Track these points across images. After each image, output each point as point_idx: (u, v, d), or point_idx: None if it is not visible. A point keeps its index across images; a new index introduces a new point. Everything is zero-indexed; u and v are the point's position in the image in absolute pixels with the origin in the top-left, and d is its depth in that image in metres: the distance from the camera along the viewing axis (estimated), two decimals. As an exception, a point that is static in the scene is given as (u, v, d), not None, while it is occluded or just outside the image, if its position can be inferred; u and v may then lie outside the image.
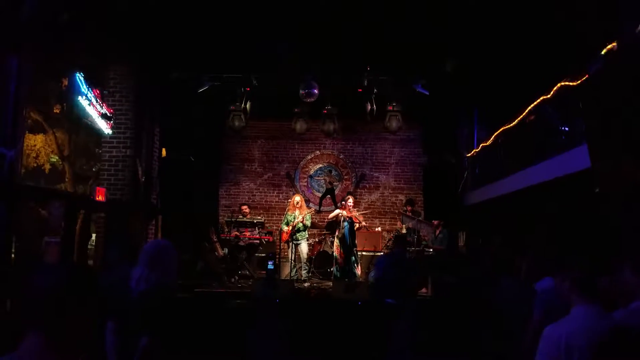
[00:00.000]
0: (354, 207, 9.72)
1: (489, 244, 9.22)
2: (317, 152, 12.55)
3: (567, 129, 6.78)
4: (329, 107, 10.51)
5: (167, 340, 3.17)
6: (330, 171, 12.43)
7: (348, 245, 9.29)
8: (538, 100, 7.48)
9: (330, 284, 8.90)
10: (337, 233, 9.54)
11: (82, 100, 7.25)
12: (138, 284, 3.22)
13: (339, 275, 9.24)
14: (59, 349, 1.48)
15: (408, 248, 8.75)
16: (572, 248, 5.94)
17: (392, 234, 10.74)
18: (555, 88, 6.88)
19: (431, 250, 9.70)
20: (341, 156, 12.54)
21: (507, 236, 8.50)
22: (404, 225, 10.33)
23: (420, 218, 10.41)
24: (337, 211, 9.72)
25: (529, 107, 7.82)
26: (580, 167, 5.89)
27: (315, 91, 9.68)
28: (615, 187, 4.91)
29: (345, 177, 12.48)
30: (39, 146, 14.87)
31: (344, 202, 9.73)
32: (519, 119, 8.31)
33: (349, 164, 12.50)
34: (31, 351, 1.45)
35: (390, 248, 9.59)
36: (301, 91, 9.68)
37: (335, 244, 9.49)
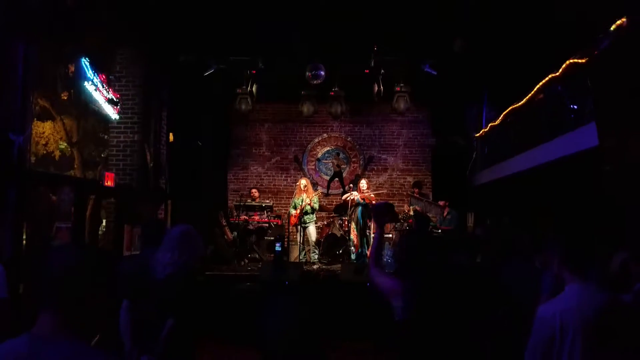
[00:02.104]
0: (367, 189, 9.70)
1: (498, 224, 9.19)
2: (325, 135, 12.52)
3: (576, 107, 6.71)
4: (336, 89, 10.44)
5: (194, 321, 3.25)
6: (338, 154, 12.40)
7: (362, 228, 9.28)
8: (547, 79, 7.40)
9: (339, 266, 8.91)
10: (352, 217, 9.48)
11: (88, 86, 7.23)
12: (165, 268, 3.25)
13: (354, 259, 9.21)
14: (74, 327, 1.49)
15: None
16: (578, 226, 5.91)
17: (400, 216, 10.72)
18: (564, 66, 6.79)
19: (439, 231, 9.69)
20: (349, 139, 12.50)
21: (516, 216, 8.47)
22: (411, 207, 10.32)
23: (428, 200, 10.38)
24: (349, 193, 9.65)
25: (538, 86, 7.75)
26: (588, 145, 5.84)
27: (322, 73, 9.62)
28: (624, 165, 4.87)
29: (353, 159, 12.45)
30: (48, 133, 14.91)
31: (351, 185, 9.71)
32: (527, 97, 8.24)
33: (357, 147, 12.46)
34: (46, 330, 1.47)
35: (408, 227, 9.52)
36: (308, 73, 9.63)
37: (351, 227, 9.44)
